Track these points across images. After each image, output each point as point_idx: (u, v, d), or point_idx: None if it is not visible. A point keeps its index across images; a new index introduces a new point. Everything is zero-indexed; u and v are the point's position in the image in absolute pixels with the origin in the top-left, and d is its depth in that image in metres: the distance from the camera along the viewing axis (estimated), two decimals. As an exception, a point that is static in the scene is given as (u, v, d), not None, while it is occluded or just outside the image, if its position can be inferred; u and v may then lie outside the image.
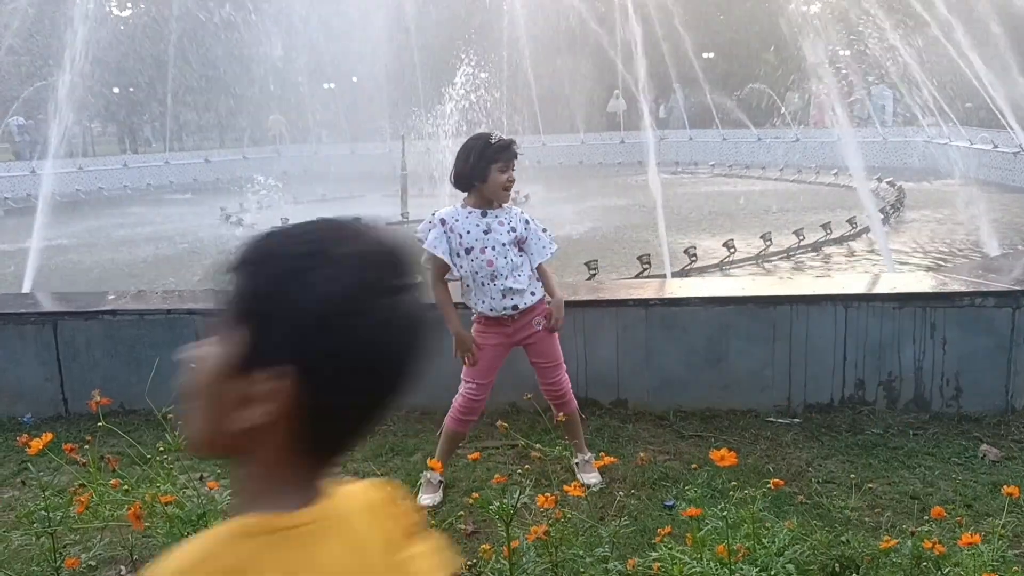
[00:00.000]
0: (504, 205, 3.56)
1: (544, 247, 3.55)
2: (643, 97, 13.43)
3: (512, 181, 3.51)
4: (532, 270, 3.54)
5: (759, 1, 35.65)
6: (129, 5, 33.06)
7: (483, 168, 3.44)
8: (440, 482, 3.55)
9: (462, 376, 3.60)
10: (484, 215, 3.48)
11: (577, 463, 3.65)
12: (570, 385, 3.66)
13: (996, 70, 13.98)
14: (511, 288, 3.45)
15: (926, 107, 17.26)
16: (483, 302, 3.49)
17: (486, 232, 3.45)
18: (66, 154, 17.71)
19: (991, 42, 14.60)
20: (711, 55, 32.49)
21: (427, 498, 3.47)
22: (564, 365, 3.65)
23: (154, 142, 33.36)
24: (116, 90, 30.17)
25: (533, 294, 3.53)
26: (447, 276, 3.52)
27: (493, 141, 3.44)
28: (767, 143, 22.62)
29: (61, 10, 17.73)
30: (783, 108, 25.33)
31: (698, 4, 32.95)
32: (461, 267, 3.47)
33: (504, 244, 3.45)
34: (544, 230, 3.60)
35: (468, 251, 3.45)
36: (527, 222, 3.55)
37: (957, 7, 14.52)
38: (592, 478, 3.54)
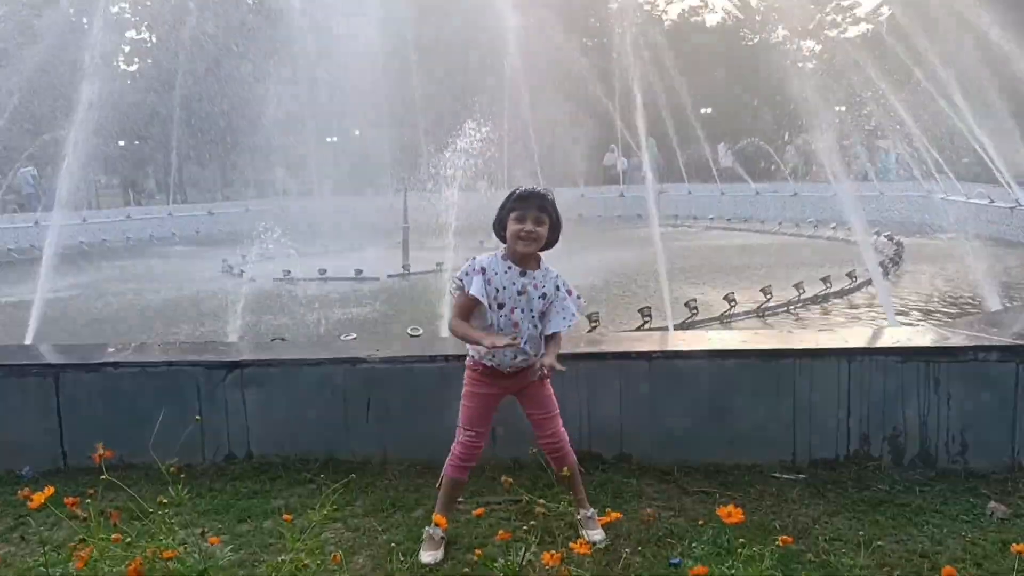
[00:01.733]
0: (542, 266, 3.52)
1: (564, 318, 3.48)
2: (642, 152, 13.58)
3: (528, 234, 3.39)
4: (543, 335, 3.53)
5: (756, 58, 36.34)
6: (136, 60, 33.66)
7: (503, 217, 3.46)
8: (442, 538, 3.50)
9: (459, 423, 3.59)
10: (523, 274, 3.46)
11: (580, 519, 3.61)
12: (567, 437, 3.63)
13: (991, 127, 14.18)
14: (524, 351, 3.46)
15: (922, 162, 17.48)
16: (493, 355, 3.47)
17: (520, 293, 3.45)
18: (71, 206, 17.87)
19: (986, 100, 14.84)
20: (709, 110, 33.00)
21: (428, 555, 3.41)
22: (560, 417, 3.62)
23: (158, 194, 33.62)
24: (121, 143, 30.54)
25: (536, 355, 3.52)
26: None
27: (518, 191, 3.47)
28: (765, 197, 22.83)
29: (69, 65, 18.07)
30: (781, 163, 25.62)
31: (697, 61, 33.58)
32: (489, 318, 3.46)
33: (533, 311, 3.46)
34: (577, 296, 3.54)
35: (500, 306, 3.45)
36: (558, 288, 3.49)
37: (951, 65, 14.79)
38: (597, 535, 3.49)
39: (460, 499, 3.92)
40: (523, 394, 3.59)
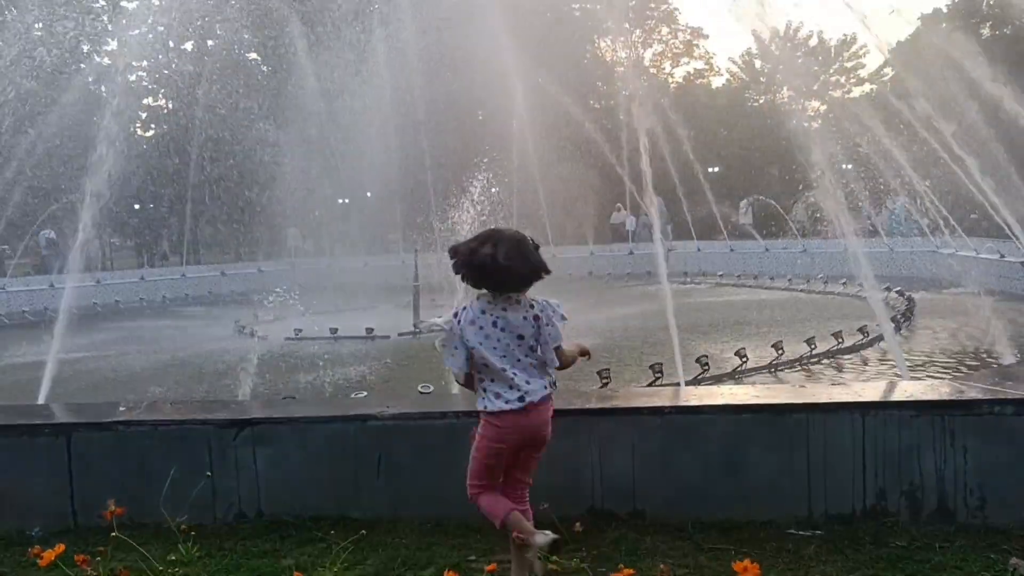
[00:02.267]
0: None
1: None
2: (651, 211, 13.69)
3: None
4: (479, 381, 3.58)
5: (762, 117, 36.86)
6: (152, 126, 34.43)
7: None
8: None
9: None
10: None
11: None
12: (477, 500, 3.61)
13: (999, 182, 14.27)
14: None
15: (930, 218, 17.55)
16: None
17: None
18: (85, 268, 18.09)
19: (992, 155, 14.97)
20: (716, 169, 33.37)
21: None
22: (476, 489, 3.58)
23: (171, 256, 34.01)
24: (137, 206, 31.05)
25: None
26: None
27: None
28: (775, 254, 22.90)
29: (88, 131, 18.52)
30: (790, 220, 25.75)
31: (703, 122, 34.08)
32: None
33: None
34: (453, 315, 3.59)
35: None
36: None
37: (956, 122, 14.97)
38: None
39: (472, 557, 3.88)
40: None
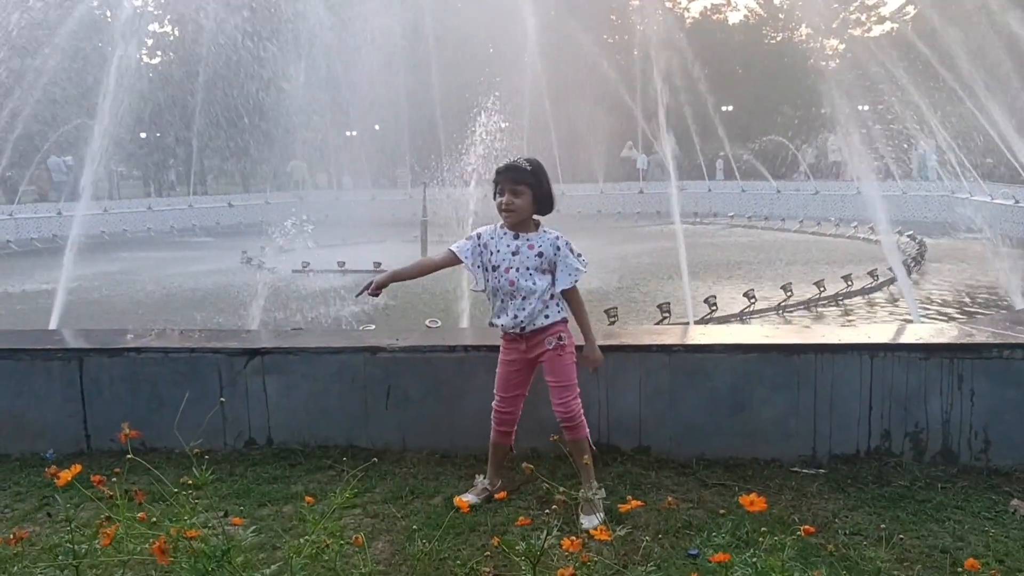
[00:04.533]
0: (540, 230, 3.74)
1: (569, 275, 3.67)
2: (665, 150, 13.53)
3: (506, 205, 3.63)
4: (554, 296, 3.70)
5: (779, 56, 36.11)
6: (159, 53, 33.90)
7: (493, 192, 3.75)
8: (485, 489, 3.83)
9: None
10: (516, 237, 3.70)
11: (579, 499, 3.55)
12: (581, 411, 3.72)
13: (1017, 126, 14.03)
14: (523, 308, 3.66)
15: (947, 162, 17.32)
16: (499, 318, 3.74)
17: (514, 253, 3.67)
18: (93, 196, 18.05)
19: (1013, 102, 14.67)
20: (730, 108, 32.81)
21: (468, 496, 3.76)
22: (577, 389, 3.73)
23: (178, 186, 33.86)
24: (143, 135, 30.77)
25: (547, 317, 3.69)
26: (473, 287, 3.88)
27: (499, 166, 3.72)
28: (786, 195, 22.70)
29: (93, 57, 18.24)
30: (801, 162, 25.44)
31: (718, 59, 33.40)
32: (487, 280, 3.73)
33: (529, 268, 3.65)
34: (578, 255, 3.71)
35: (495, 268, 3.69)
36: (558, 248, 3.68)
37: (977, 64, 14.63)
38: (588, 521, 3.39)
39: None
40: (542, 361, 3.75)
